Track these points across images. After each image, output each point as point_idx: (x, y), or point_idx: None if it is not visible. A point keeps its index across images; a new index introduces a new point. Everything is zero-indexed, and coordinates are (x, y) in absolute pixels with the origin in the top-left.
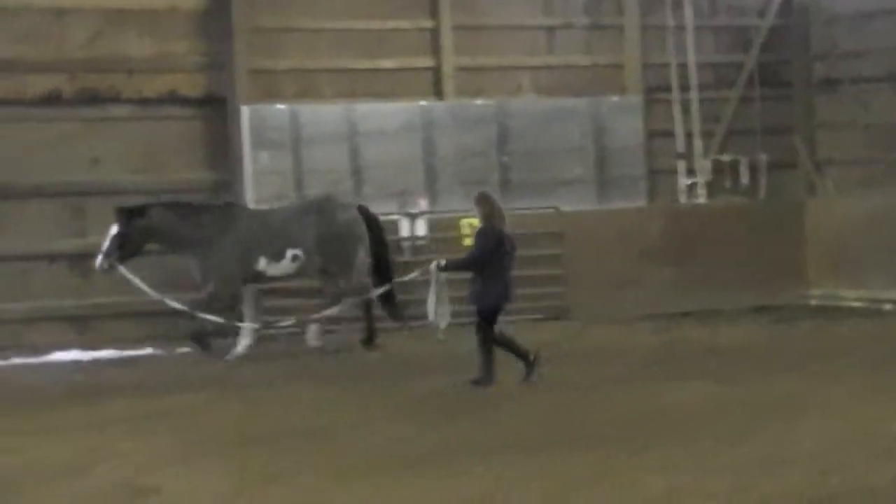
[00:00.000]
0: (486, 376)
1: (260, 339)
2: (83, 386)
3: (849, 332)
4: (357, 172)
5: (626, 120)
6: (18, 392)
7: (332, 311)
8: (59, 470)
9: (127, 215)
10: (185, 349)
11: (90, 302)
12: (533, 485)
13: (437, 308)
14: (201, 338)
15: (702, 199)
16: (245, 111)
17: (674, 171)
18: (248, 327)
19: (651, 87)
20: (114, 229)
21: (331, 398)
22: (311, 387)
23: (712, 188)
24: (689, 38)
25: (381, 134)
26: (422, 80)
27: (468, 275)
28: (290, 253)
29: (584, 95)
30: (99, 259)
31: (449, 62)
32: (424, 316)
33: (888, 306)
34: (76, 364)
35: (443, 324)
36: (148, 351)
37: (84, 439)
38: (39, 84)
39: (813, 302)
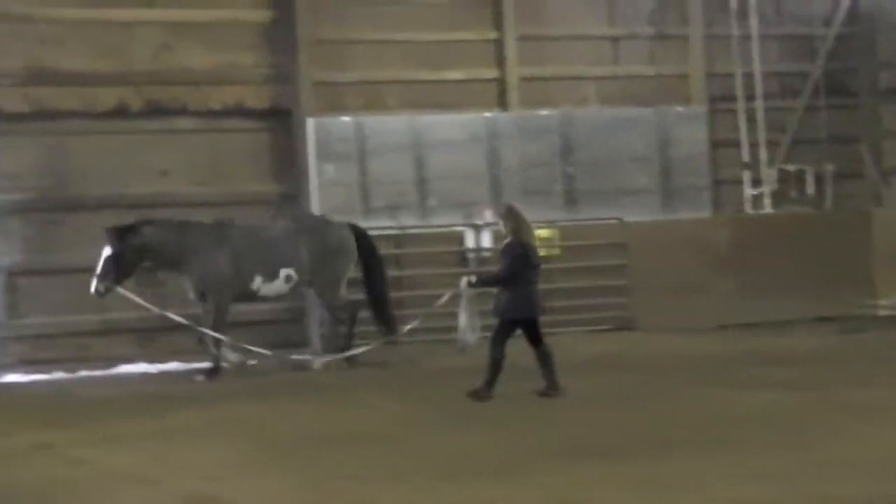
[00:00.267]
0: (488, 388)
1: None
2: (151, 397)
3: None
4: (422, 184)
5: (690, 130)
6: (87, 404)
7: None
8: (128, 479)
9: (119, 235)
10: (252, 361)
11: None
12: (602, 491)
13: (468, 323)
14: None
15: (767, 208)
16: (310, 123)
17: (739, 181)
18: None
19: (716, 97)
20: (107, 250)
21: (392, 406)
22: (371, 395)
23: (778, 198)
24: (754, 48)
25: (446, 145)
26: (486, 90)
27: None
28: (283, 273)
29: (648, 105)
30: (94, 283)
31: (513, 73)
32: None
33: None
34: (144, 376)
35: (473, 339)
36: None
37: (152, 449)
38: (107, 97)
39: (880, 312)
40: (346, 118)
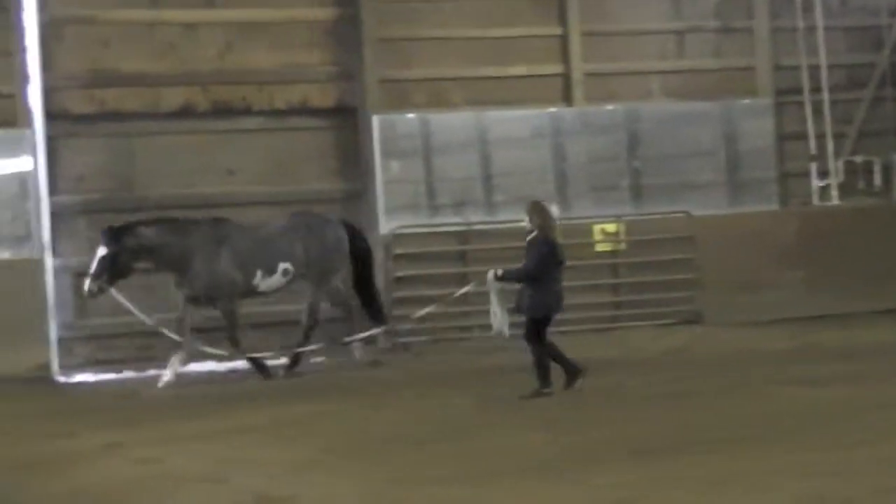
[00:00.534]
0: (544, 383)
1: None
2: (218, 396)
3: None
4: (487, 180)
5: (756, 123)
6: (155, 403)
7: (371, 333)
8: (196, 478)
9: (115, 235)
10: (318, 358)
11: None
12: (670, 488)
13: (501, 315)
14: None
15: (834, 200)
16: (375, 120)
17: (806, 174)
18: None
19: (782, 90)
20: (101, 251)
21: (454, 404)
22: (430, 393)
23: (845, 190)
24: (820, 40)
25: (511, 141)
26: (551, 86)
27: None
28: (281, 267)
29: (714, 99)
30: (87, 282)
31: (578, 68)
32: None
33: None
34: (210, 374)
35: (506, 331)
36: (281, 361)
37: (220, 448)
38: (173, 97)
39: None
40: (410, 115)
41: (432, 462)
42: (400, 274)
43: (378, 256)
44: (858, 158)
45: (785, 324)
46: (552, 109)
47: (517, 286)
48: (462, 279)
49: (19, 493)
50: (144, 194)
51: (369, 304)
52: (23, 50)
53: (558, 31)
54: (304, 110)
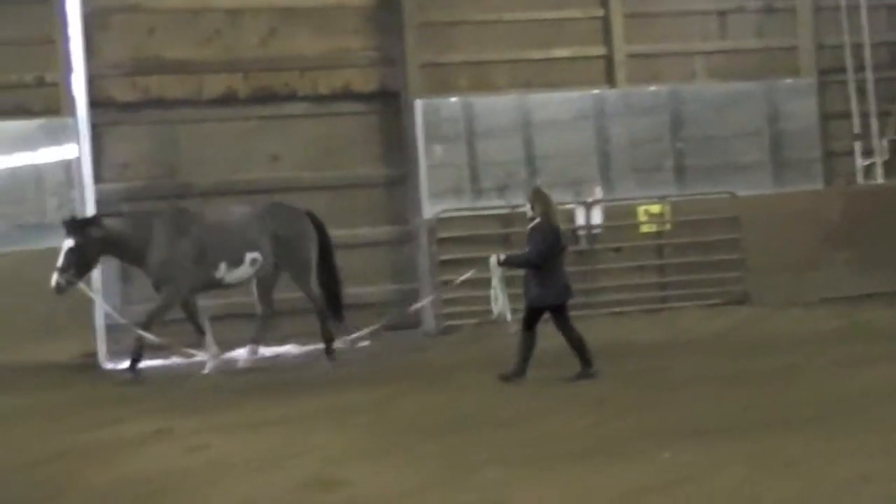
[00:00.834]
0: (520, 369)
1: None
2: (269, 382)
3: None
4: (531, 162)
5: (800, 102)
6: (204, 390)
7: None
8: (250, 464)
9: (80, 227)
10: (365, 342)
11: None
12: (723, 470)
13: (504, 300)
14: (136, 355)
15: (880, 179)
16: (418, 105)
17: (850, 153)
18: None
19: (825, 69)
20: (68, 243)
21: (504, 388)
22: (479, 377)
23: (890, 168)
24: (863, 18)
25: (555, 123)
26: (594, 68)
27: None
28: (248, 257)
29: (757, 79)
30: (55, 276)
31: (621, 50)
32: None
33: None
34: (260, 360)
35: (509, 316)
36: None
37: (273, 434)
38: (216, 84)
39: None
40: (453, 99)
41: (487, 445)
42: (444, 257)
43: (422, 240)
44: None
45: (832, 303)
46: (595, 91)
47: (520, 272)
48: None
49: (68, 481)
50: (188, 181)
51: (333, 297)
52: (66, 38)
53: (601, 12)
54: (347, 95)
